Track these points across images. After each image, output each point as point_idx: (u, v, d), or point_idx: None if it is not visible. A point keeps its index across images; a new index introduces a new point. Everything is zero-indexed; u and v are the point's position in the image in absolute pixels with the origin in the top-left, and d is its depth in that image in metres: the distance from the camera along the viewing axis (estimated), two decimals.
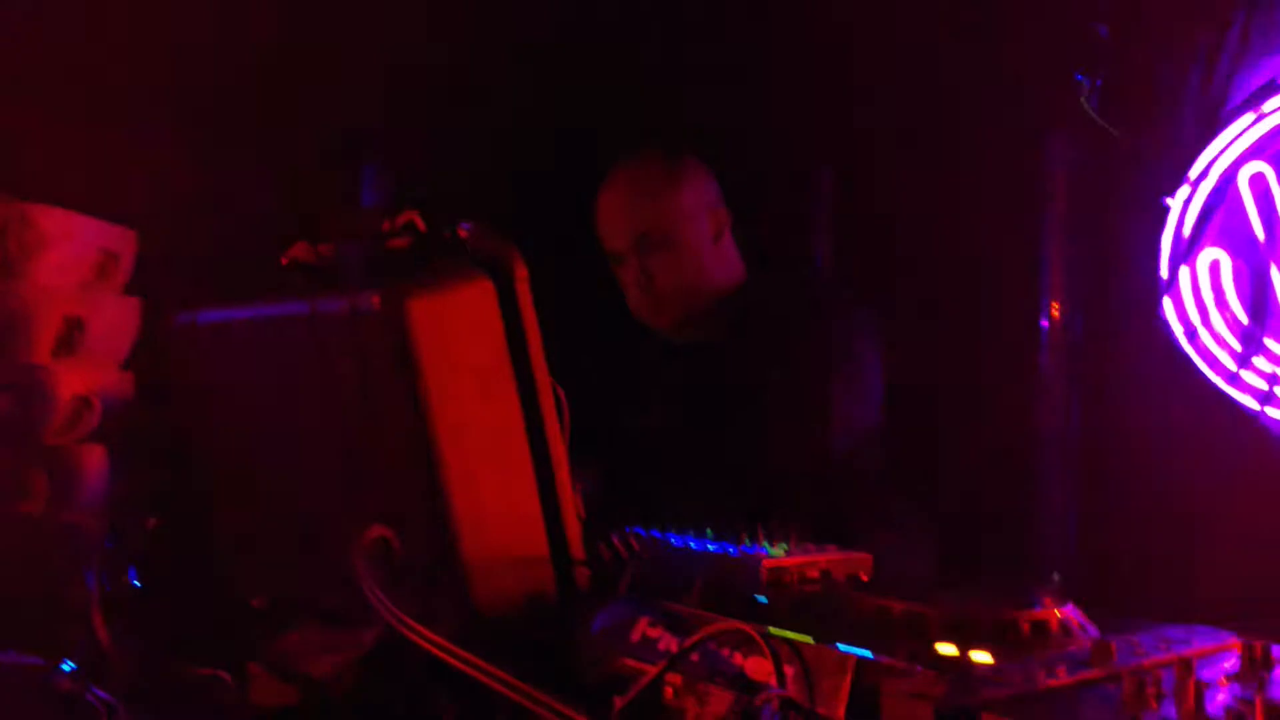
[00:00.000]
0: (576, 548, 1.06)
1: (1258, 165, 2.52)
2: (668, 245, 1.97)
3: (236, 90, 2.30)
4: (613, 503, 1.83)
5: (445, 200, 1.22)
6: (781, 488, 1.76)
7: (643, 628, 0.94)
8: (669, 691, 0.92)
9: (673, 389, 2.04)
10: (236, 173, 2.25)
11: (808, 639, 0.85)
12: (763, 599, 1.11)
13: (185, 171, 2.13)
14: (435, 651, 0.82)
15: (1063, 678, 0.84)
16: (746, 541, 1.28)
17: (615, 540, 1.24)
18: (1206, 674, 0.83)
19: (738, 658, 0.87)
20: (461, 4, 2.88)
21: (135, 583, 1.41)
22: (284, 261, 1.22)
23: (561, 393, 1.09)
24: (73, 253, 1.54)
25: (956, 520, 2.26)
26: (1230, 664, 0.91)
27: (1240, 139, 2.54)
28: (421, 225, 1.06)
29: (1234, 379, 2.54)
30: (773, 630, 0.86)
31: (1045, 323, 2.79)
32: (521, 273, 1.03)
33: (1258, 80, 2.52)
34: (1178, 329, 2.61)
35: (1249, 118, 2.52)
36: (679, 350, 2.07)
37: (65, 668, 1.05)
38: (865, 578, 1.24)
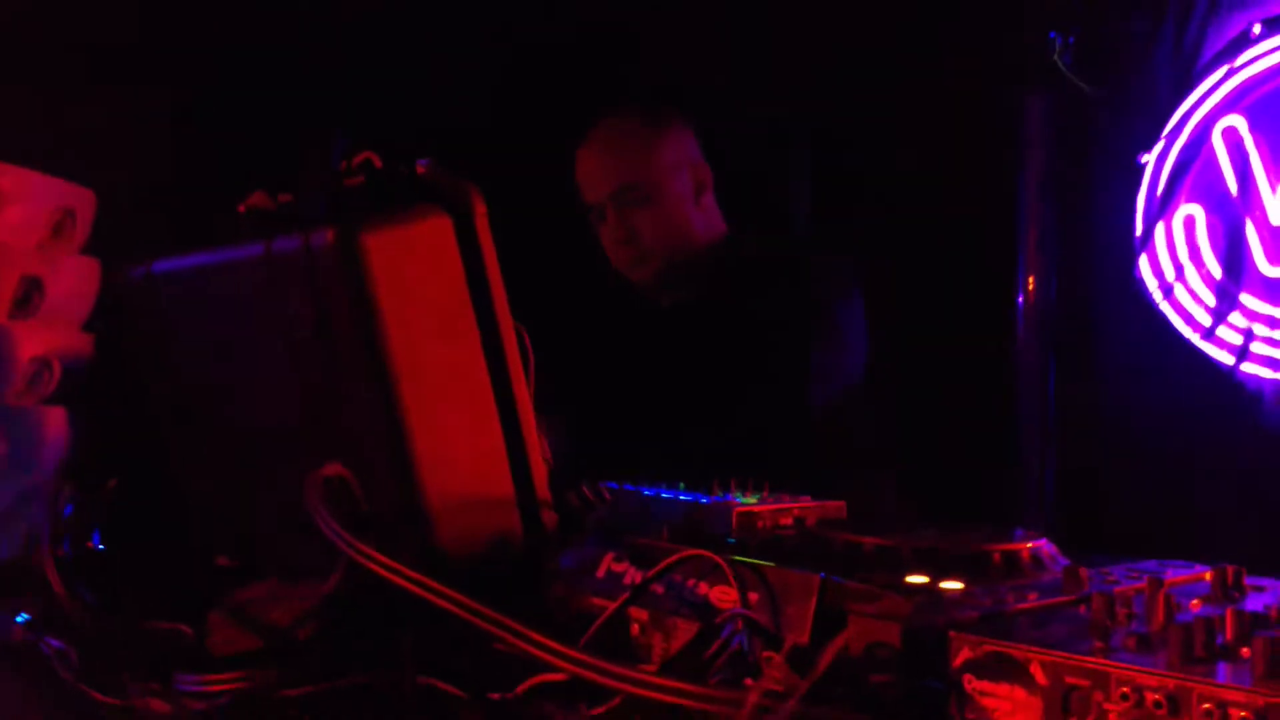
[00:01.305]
0: (542, 489, 1.05)
1: (1232, 119, 2.52)
2: (650, 199, 1.95)
3: (202, 49, 2.26)
4: (584, 457, 1.82)
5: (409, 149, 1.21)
6: (760, 441, 1.76)
7: (608, 563, 0.93)
8: (635, 628, 0.90)
9: (651, 346, 2.02)
10: (197, 131, 2.22)
11: (771, 564, 0.83)
12: (732, 540, 1.10)
13: (145, 129, 2.10)
14: (394, 579, 0.80)
15: (1032, 601, 0.83)
16: (718, 491, 1.27)
17: (585, 489, 1.23)
18: (1179, 599, 0.82)
19: (703, 588, 0.85)
20: None
21: (98, 545, 1.39)
22: (241, 210, 1.20)
23: (525, 334, 1.07)
24: (29, 212, 1.50)
25: (936, 485, 2.26)
26: (1203, 591, 0.90)
27: (1214, 93, 2.53)
28: (378, 163, 1.04)
29: (1209, 335, 2.55)
30: (737, 558, 0.85)
31: (1021, 296, 2.78)
32: (480, 209, 1.00)
33: (1230, 33, 2.52)
34: (1153, 286, 2.62)
35: (1222, 71, 2.52)
36: (657, 308, 2.06)
37: (19, 620, 1.03)
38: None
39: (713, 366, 1.90)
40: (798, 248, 2.19)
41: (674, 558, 0.86)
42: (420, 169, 1.02)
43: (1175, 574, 0.99)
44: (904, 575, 0.89)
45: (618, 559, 0.93)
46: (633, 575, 0.90)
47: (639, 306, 2.08)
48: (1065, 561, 1.00)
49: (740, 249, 2.04)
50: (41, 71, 2.01)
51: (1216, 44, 2.54)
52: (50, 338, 1.48)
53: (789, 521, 1.23)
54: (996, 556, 0.94)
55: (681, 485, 1.32)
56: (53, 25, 2.11)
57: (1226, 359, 2.52)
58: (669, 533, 1.08)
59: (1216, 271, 2.55)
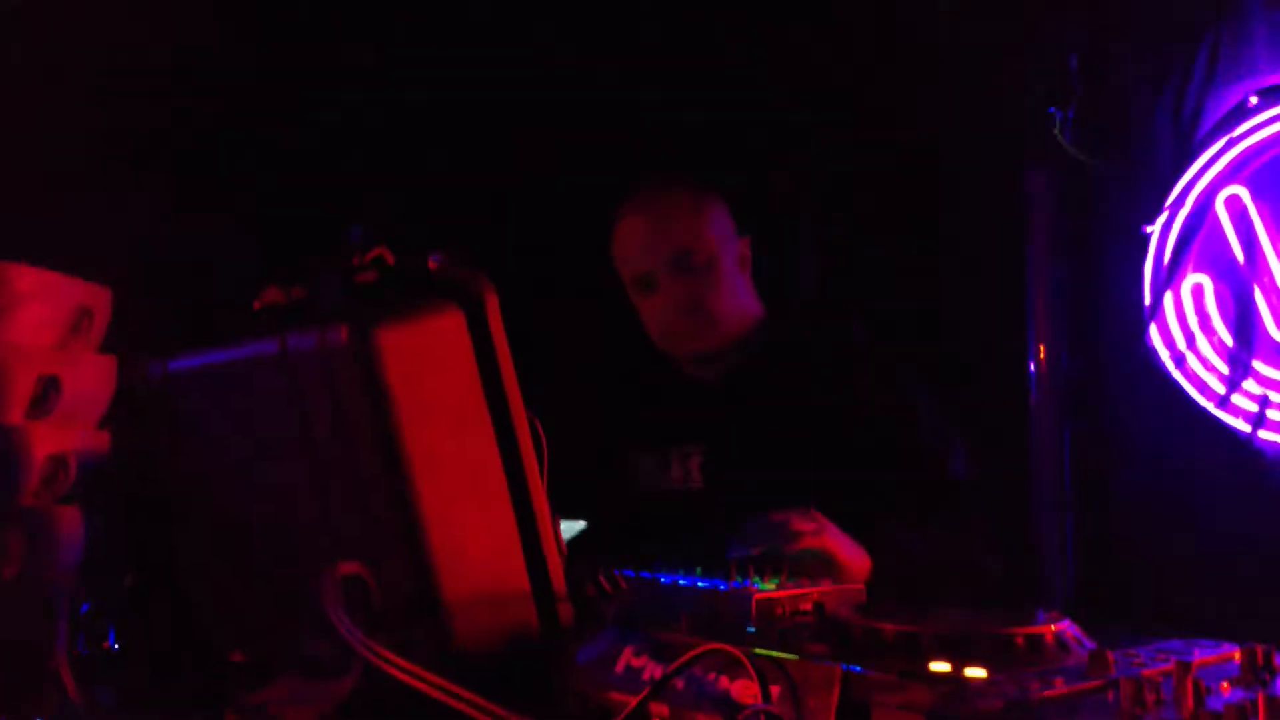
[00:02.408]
0: (559, 583, 1.04)
1: (1234, 189, 2.54)
2: (709, 266, 1.88)
3: (215, 145, 2.31)
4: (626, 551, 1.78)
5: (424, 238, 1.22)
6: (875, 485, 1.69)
7: (628, 658, 0.92)
8: None
9: (699, 425, 1.92)
10: (214, 229, 2.25)
11: (793, 657, 0.82)
12: (752, 629, 1.09)
13: (161, 228, 2.13)
14: (411, 681, 0.79)
15: (1059, 688, 0.82)
16: (736, 577, 1.26)
17: (601, 578, 1.22)
18: (1208, 681, 0.81)
19: (724, 681, 0.84)
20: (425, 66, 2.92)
21: (113, 644, 1.38)
22: (256, 306, 1.21)
23: (539, 424, 1.07)
24: (47, 312, 1.52)
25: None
26: (1231, 672, 0.89)
27: (1215, 163, 2.56)
28: (390, 258, 1.05)
29: (1224, 403, 2.54)
30: (758, 650, 0.84)
31: (1033, 364, 2.78)
32: (492, 301, 1.01)
33: (1226, 105, 2.55)
34: (1165, 355, 2.61)
35: (1221, 142, 2.55)
36: (699, 384, 1.97)
37: None
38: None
39: (778, 442, 1.80)
40: (858, 327, 2.01)
41: (693, 653, 0.85)
42: (432, 264, 1.03)
43: (1203, 654, 0.98)
44: (926, 662, 0.88)
45: (637, 653, 0.92)
46: (652, 670, 0.89)
47: (679, 380, 2.00)
48: (1090, 644, 0.99)
49: (792, 325, 1.97)
50: (58, 170, 2.06)
51: (1214, 115, 2.57)
52: (67, 436, 1.49)
53: (808, 607, 1.22)
54: (1020, 640, 0.93)
55: (699, 571, 1.31)
56: (70, 123, 2.16)
57: (1243, 427, 2.51)
58: (688, 623, 1.07)
59: (1228, 339, 2.55)
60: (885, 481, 1.71)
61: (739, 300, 1.94)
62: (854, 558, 1.50)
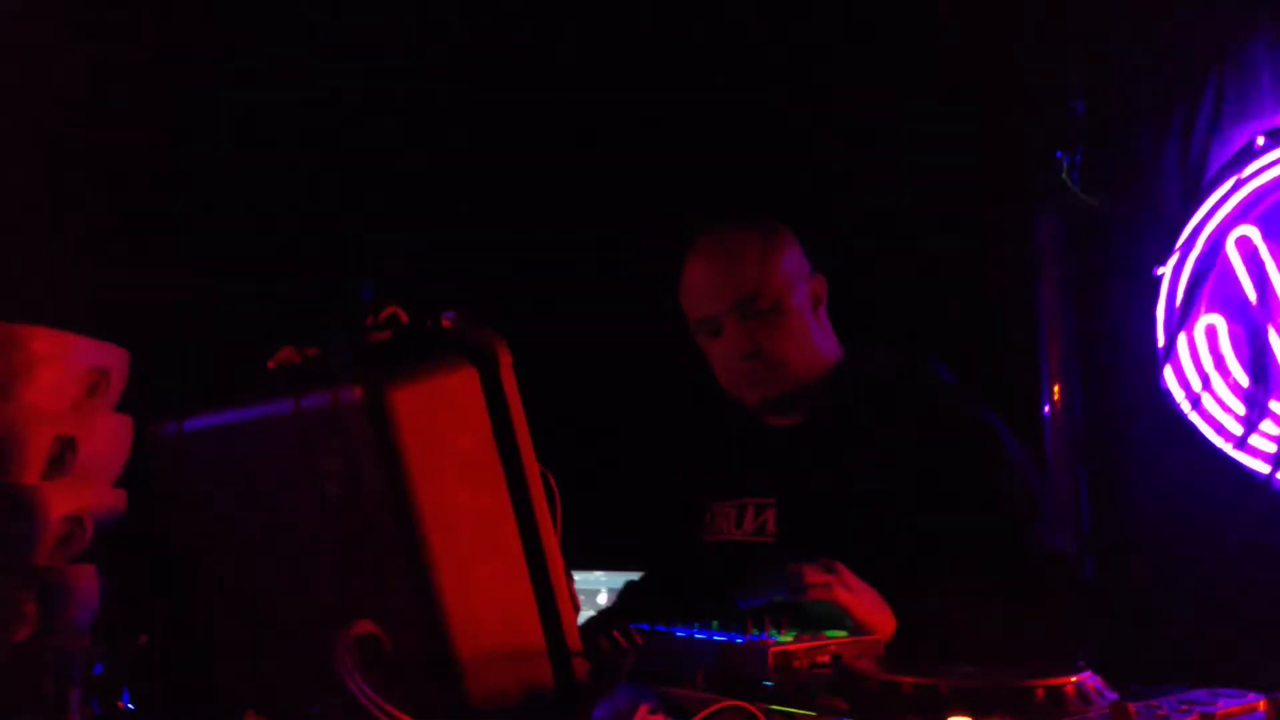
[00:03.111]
0: (573, 638, 1.03)
1: (1244, 229, 2.54)
2: (775, 310, 1.80)
3: (226, 205, 2.34)
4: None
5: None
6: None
7: (643, 715, 0.91)
8: None
9: (773, 474, 1.85)
10: (228, 288, 2.27)
11: (810, 714, 0.81)
12: (769, 683, 1.08)
13: (176, 288, 2.15)
14: None
15: None
16: (754, 630, 1.25)
17: (616, 634, 1.21)
18: None
19: None
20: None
21: (128, 704, 1.38)
22: (270, 366, 1.22)
23: (552, 479, 1.07)
24: (64, 373, 1.53)
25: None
26: None
27: (1224, 204, 2.56)
28: (404, 317, 1.06)
29: (1242, 444, 2.52)
30: (774, 707, 0.83)
31: (1047, 406, 2.77)
32: (505, 359, 1.02)
33: (1234, 146, 2.56)
34: (1180, 397, 2.60)
35: (1230, 183, 2.56)
36: (773, 432, 1.90)
37: None
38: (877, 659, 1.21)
39: (866, 499, 1.71)
40: (932, 375, 1.88)
41: (710, 709, 0.85)
42: (445, 322, 1.04)
43: (1227, 704, 0.97)
44: (945, 715, 0.87)
45: (652, 710, 0.91)
46: None
47: (756, 427, 1.92)
48: (1111, 695, 0.98)
49: (873, 378, 1.86)
50: (73, 236, 2.08)
51: (1222, 157, 2.58)
52: (83, 496, 1.49)
53: (826, 660, 1.21)
54: (1040, 693, 0.92)
55: (715, 624, 1.30)
56: (84, 186, 2.19)
57: (1262, 468, 2.49)
58: (704, 678, 1.06)
59: (1244, 380, 2.54)
60: (958, 546, 1.61)
61: (809, 343, 1.84)
62: (872, 614, 1.45)
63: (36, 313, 1.56)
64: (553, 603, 1.02)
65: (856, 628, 1.39)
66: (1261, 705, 0.90)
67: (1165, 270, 2.64)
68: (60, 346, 1.52)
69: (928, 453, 1.70)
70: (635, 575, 2.08)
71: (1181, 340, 2.61)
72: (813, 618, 1.36)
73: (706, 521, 1.90)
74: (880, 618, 1.44)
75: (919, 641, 1.41)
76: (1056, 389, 2.77)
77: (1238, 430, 2.52)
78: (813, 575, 1.42)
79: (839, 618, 1.40)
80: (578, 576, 2.14)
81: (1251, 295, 2.54)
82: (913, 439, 1.72)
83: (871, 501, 1.69)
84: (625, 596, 2.05)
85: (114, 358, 1.60)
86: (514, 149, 3.13)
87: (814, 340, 1.86)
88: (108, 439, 1.57)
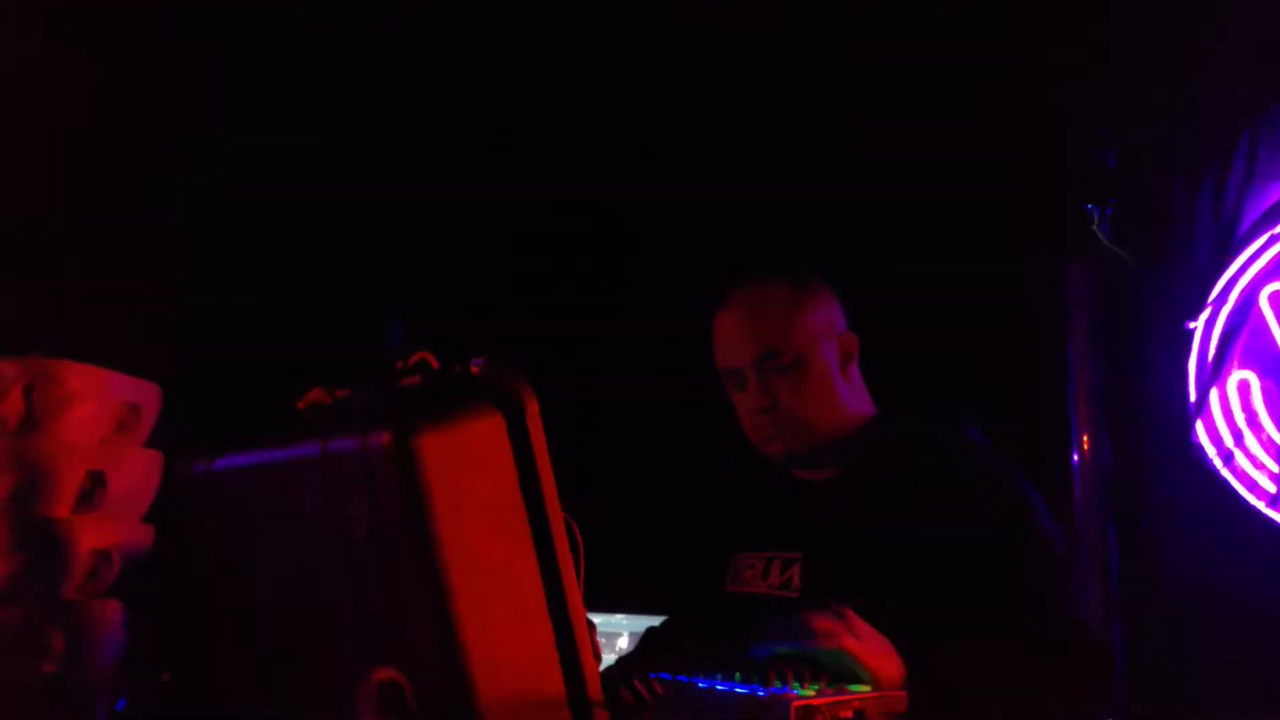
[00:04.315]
0: (594, 688, 1.03)
1: (1277, 284, 2.52)
2: (796, 366, 1.81)
3: (262, 255, 2.36)
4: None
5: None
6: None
7: None
8: None
9: (799, 527, 1.84)
10: (261, 329, 2.30)
11: None
12: None
13: (209, 326, 2.17)
14: None
15: None
16: (775, 683, 1.24)
17: (637, 684, 1.21)
18: None
19: None
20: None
21: None
22: (300, 407, 1.24)
23: (576, 528, 1.07)
24: (97, 408, 1.55)
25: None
26: None
27: (1257, 259, 2.55)
28: (434, 363, 1.07)
29: (1275, 501, 2.49)
30: None
31: (1076, 456, 2.74)
32: (533, 406, 1.03)
33: (1267, 202, 2.55)
34: (1212, 453, 2.57)
35: (1264, 238, 2.54)
36: (803, 485, 1.90)
37: None
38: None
39: (877, 556, 1.69)
40: (976, 441, 1.86)
41: None
42: (475, 368, 1.05)
43: None
44: None
45: None
46: None
47: (786, 481, 1.92)
48: None
49: (902, 436, 1.85)
50: (111, 270, 2.12)
51: (1256, 211, 2.56)
52: (111, 530, 1.51)
53: (849, 715, 1.20)
54: None
55: (737, 676, 1.29)
56: (114, 220, 2.22)
57: None
58: None
59: (1277, 437, 2.51)
60: (978, 608, 1.58)
61: (833, 400, 1.84)
62: (881, 662, 1.43)
63: (72, 347, 1.59)
64: (574, 652, 1.02)
65: (867, 677, 1.38)
66: None
67: (1198, 325, 2.62)
68: (95, 382, 1.55)
69: (952, 518, 1.68)
70: (657, 620, 2.07)
71: (1214, 395, 2.58)
72: (826, 669, 1.35)
73: (732, 572, 1.89)
74: (889, 667, 1.43)
75: (929, 693, 1.40)
76: (1086, 444, 2.74)
77: (1271, 488, 2.49)
78: (820, 622, 1.41)
79: (852, 667, 1.39)
80: (599, 620, 2.13)
81: None
82: (937, 503, 1.70)
83: (893, 562, 1.68)
84: (646, 642, 2.04)
85: (146, 393, 1.62)
86: (553, 185, 3.15)
87: (839, 397, 1.86)
88: (137, 474, 1.59)
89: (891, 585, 1.64)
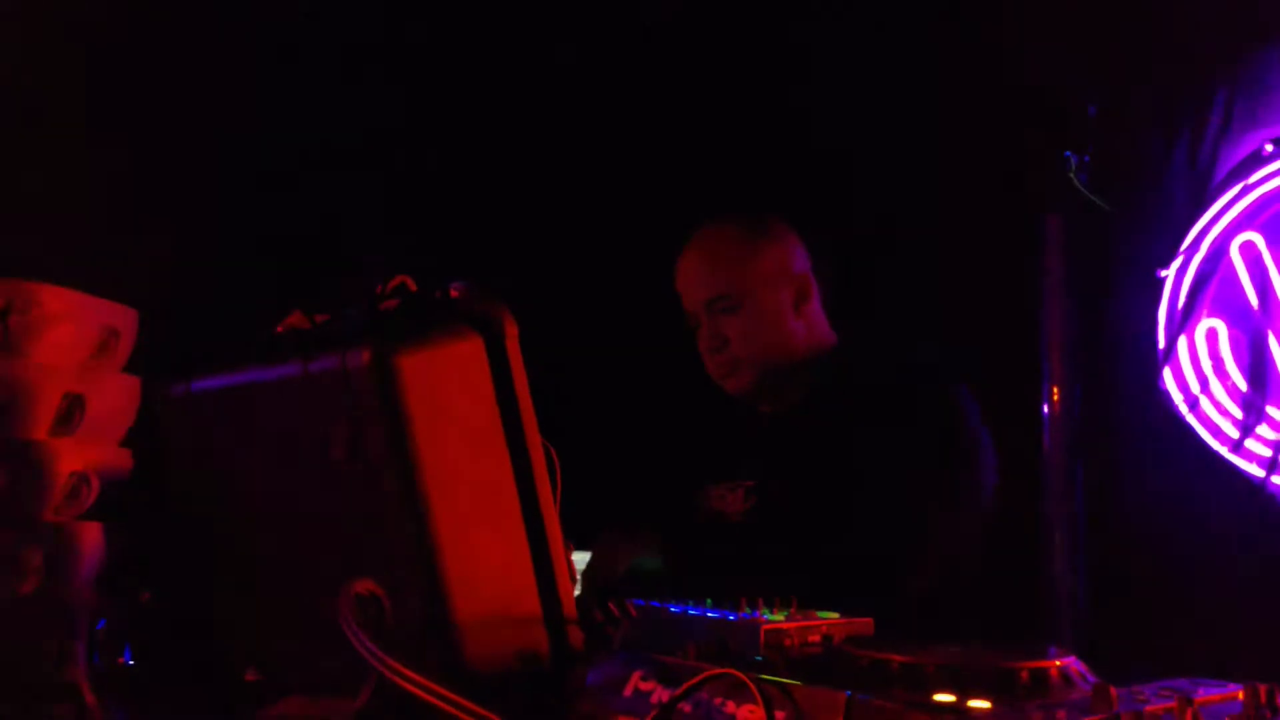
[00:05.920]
0: (569, 608, 1.05)
1: (1249, 235, 2.55)
2: (742, 309, 1.90)
3: (242, 173, 2.34)
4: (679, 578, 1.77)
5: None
6: (881, 574, 1.64)
7: (635, 682, 0.93)
8: None
9: (756, 458, 1.94)
10: (239, 253, 2.29)
11: (798, 683, 0.83)
12: (759, 658, 1.10)
13: (188, 250, 2.16)
14: (424, 695, 0.81)
15: None
16: (746, 609, 1.27)
17: (611, 605, 1.23)
18: (1210, 718, 0.82)
19: (730, 706, 0.85)
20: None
21: (129, 660, 1.40)
22: (279, 330, 1.24)
23: (554, 451, 1.09)
24: (75, 331, 1.54)
25: (966, 600, 2.23)
26: (1234, 710, 0.89)
27: (1229, 209, 2.57)
28: (413, 287, 1.08)
29: (1238, 447, 2.54)
30: (764, 676, 0.85)
31: (1045, 402, 2.78)
32: (512, 330, 1.04)
33: (1242, 152, 2.57)
34: (1179, 399, 2.62)
35: (1237, 189, 2.57)
36: (761, 417, 1.98)
37: None
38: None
39: (818, 482, 1.80)
40: (918, 362, 1.94)
41: (700, 676, 0.87)
42: (454, 292, 1.06)
43: (1206, 693, 0.98)
44: (931, 693, 0.89)
45: (644, 677, 0.93)
46: (660, 694, 0.91)
47: (739, 414, 2.00)
48: (1094, 679, 1.00)
49: (848, 365, 1.93)
50: (86, 196, 2.10)
51: (1230, 162, 2.59)
52: (90, 453, 1.51)
53: (817, 639, 1.23)
54: (1024, 675, 0.93)
55: (709, 602, 1.32)
56: (98, 150, 2.20)
57: (1256, 471, 2.50)
58: (696, 650, 1.08)
59: (1242, 384, 2.56)
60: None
61: (784, 340, 1.91)
62: None
63: (49, 270, 1.58)
64: (550, 571, 1.04)
65: None
66: (1240, 694, 0.92)
67: (1169, 273, 2.65)
68: (72, 305, 1.54)
69: (879, 430, 1.75)
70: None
71: (1182, 343, 2.62)
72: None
73: (700, 501, 1.96)
74: None
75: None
76: (1055, 391, 2.78)
77: (1234, 434, 2.54)
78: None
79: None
80: (575, 556, 2.16)
81: (1253, 301, 2.55)
82: (868, 419, 1.78)
83: (830, 483, 1.74)
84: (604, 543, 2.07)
85: (124, 318, 1.62)
86: (528, 138, 3.13)
87: (790, 336, 1.93)
88: (116, 398, 1.58)
89: (831, 507, 1.70)
